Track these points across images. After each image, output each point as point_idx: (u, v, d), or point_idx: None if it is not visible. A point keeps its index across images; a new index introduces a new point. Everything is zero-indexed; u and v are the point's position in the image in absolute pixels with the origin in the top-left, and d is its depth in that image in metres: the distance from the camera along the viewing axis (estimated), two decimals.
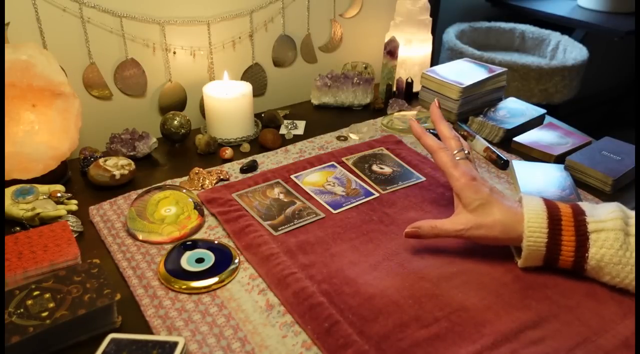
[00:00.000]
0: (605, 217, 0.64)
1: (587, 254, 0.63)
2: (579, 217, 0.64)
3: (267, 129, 1.01)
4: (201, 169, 0.90)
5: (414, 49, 1.20)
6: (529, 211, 0.65)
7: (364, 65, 1.25)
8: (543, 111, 1.08)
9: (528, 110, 1.09)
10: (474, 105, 1.09)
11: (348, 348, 0.57)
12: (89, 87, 0.99)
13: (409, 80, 1.17)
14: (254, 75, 1.16)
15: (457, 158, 0.71)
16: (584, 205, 0.67)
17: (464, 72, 1.11)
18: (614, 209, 0.64)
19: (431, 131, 1.02)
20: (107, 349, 0.55)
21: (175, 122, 0.97)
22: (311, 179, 0.89)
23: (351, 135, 1.04)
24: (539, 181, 0.86)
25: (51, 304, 0.57)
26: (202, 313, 0.63)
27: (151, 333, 0.61)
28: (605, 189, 0.87)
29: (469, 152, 0.73)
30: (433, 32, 1.23)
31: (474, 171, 0.70)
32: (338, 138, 1.03)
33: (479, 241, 0.69)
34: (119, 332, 0.59)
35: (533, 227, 0.64)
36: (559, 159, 0.94)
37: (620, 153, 0.92)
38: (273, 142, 0.99)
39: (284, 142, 1.02)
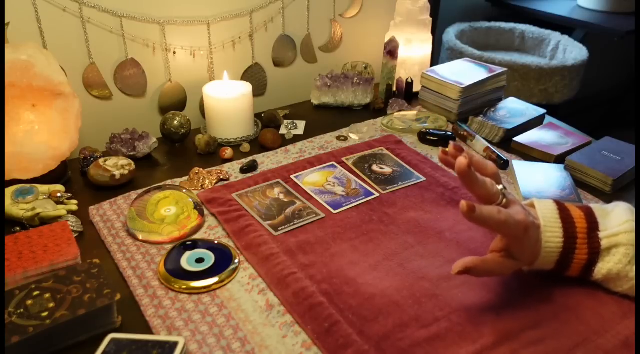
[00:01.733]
0: (617, 229, 0.62)
1: (594, 268, 0.63)
2: (593, 234, 0.62)
3: (267, 129, 1.01)
4: (201, 169, 0.90)
5: (414, 49, 1.20)
6: (546, 230, 0.62)
7: (364, 65, 1.25)
8: (543, 111, 1.08)
9: (528, 110, 1.08)
10: (474, 105, 1.09)
11: (348, 348, 0.57)
12: (89, 87, 0.99)
13: (409, 80, 1.17)
14: (254, 75, 1.16)
15: (504, 202, 0.61)
16: (597, 212, 0.64)
17: (464, 72, 1.11)
18: (627, 219, 0.62)
19: (430, 130, 1.02)
20: (107, 349, 0.55)
21: (175, 122, 0.97)
22: (311, 179, 0.89)
23: (351, 135, 1.04)
24: (539, 181, 0.86)
25: (51, 304, 0.57)
26: (202, 313, 0.63)
27: (151, 333, 0.61)
28: (605, 189, 0.87)
29: (504, 188, 0.63)
30: (433, 32, 1.23)
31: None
32: (338, 138, 1.03)
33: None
34: (119, 332, 0.59)
35: (549, 248, 0.62)
36: (559, 159, 0.93)
37: (620, 153, 0.92)
38: (273, 142, 0.99)
39: (284, 142, 1.02)
